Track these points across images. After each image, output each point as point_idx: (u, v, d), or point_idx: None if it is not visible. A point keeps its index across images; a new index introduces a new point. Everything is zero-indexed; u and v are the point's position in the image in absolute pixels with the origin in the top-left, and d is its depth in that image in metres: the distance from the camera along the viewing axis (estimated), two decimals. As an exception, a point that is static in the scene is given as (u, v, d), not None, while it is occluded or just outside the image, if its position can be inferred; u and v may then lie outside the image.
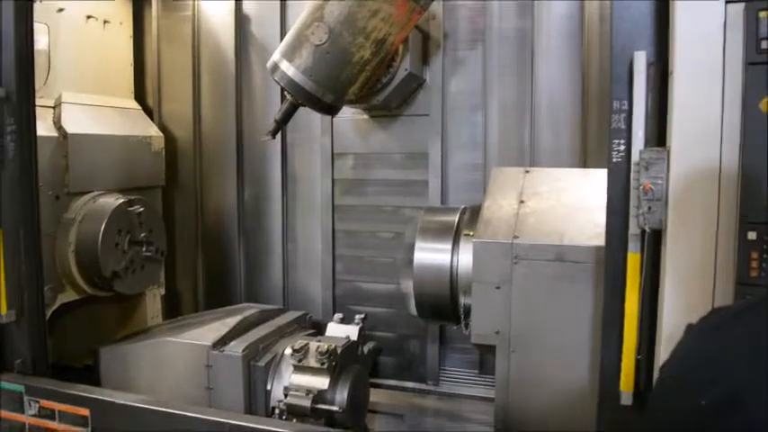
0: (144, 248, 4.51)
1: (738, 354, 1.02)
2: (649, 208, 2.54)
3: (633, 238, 2.69)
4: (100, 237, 4.18)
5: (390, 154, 4.80)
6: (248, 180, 5.27)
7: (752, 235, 2.39)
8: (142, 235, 4.48)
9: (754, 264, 2.38)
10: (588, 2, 4.17)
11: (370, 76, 3.80)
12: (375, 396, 4.54)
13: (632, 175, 2.64)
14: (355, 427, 3.91)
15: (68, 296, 4.32)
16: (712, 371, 1.02)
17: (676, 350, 1.15)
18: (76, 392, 3.62)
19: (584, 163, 4.21)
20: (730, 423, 0.95)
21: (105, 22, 4.86)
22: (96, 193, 4.42)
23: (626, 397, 2.79)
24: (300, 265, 5.18)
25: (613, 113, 2.73)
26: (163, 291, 5.08)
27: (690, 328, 1.18)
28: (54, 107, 4.30)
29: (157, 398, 3.78)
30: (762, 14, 2.37)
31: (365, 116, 4.80)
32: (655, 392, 1.14)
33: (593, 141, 4.20)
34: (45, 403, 3.61)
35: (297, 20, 3.74)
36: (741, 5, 2.41)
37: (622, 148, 2.69)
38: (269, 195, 5.21)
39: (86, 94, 4.58)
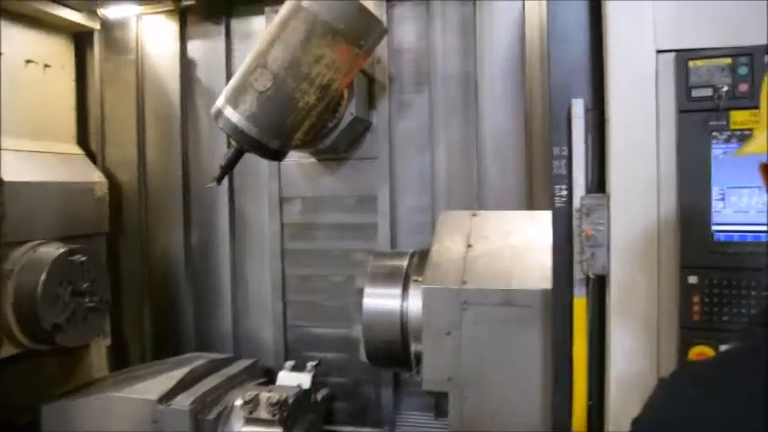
0: (87, 299, 4.35)
1: (708, 412, 1.01)
2: (592, 254, 2.56)
3: (579, 283, 2.71)
4: (39, 288, 4.01)
5: (339, 197, 4.77)
6: (195, 225, 5.18)
7: (692, 279, 2.43)
8: (85, 285, 4.32)
9: (696, 308, 2.42)
10: (529, 44, 4.25)
11: (316, 122, 3.79)
12: (330, 443, 4.46)
13: (575, 221, 2.67)
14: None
15: (7, 351, 4.11)
16: (683, 428, 1.02)
17: (649, 405, 1.13)
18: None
19: (532, 203, 4.26)
20: None
21: (46, 65, 4.75)
22: (36, 242, 4.25)
23: (578, 441, 2.79)
24: (251, 310, 5.08)
25: (554, 159, 2.76)
26: (108, 341, 4.90)
27: (662, 382, 1.17)
28: (-10, 154, 4.16)
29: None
30: (691, 63, 2.45)
31: (313, 160, 4.78)
32: None
33: (539, 180, 4.25)
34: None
35: (241, 65, 3.72)
36: (672, 55, 2.48)
37: (564, 193, 2.72)
38: (217, 241, 5.12)
39: (25, 140, 4.45)
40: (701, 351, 2.38)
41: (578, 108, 2.69)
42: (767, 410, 0.95)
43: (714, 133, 2.41)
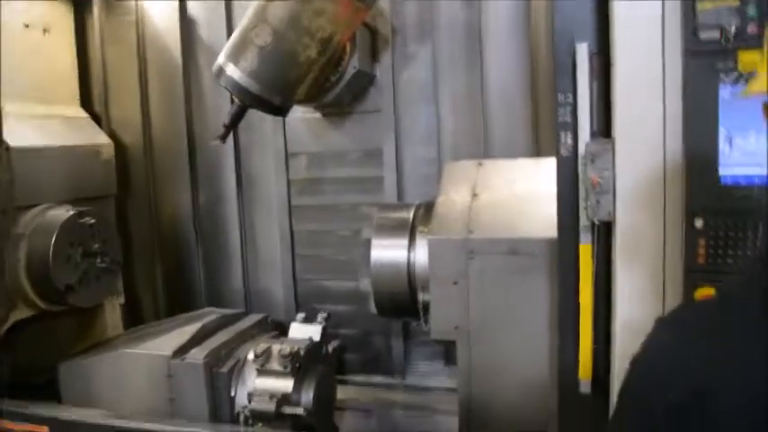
0: (98, 260, 4.40)
1: (706, 349, 1.02)
2: (597, 201, 2.56)
3: (584, 230, 2.71)
4: (51, 250, 4.05)
5: (344, 151, 4.76)
6: (203, 184, 5.19)
7: (698, 222, 2.43)
8: (95, 246, 4.36)
9: (702, 251, 2.42)
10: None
11: (318, 76, 3.76)
12: (342, 393, 4.53)
13: (580, 167, 2.66)
14: (322, 426, 3.90)
15: (21, 313, 4.18)
16: (681, 366, 1.03)
17: (646, 344, 1.14)
18: (34, 411, 3.54)
19: (538, 151, 4.23)
20: (696, 418, 0.96)
21: (45, 30, 4.70)
22: (45, 205, 4.28)
23: (584, 385, 2.83)
24: (261, 266, 5.13)
25: (559, 106, 2.73)
26: (122, 300, 4.96)
27: (661, 321, 1.18)
28: (-6, 120, 4.15)
29: (119, 412, 3.72)
30: (699, 5, 2.40)
31: (317, 115, 4.76)
32: (624, 387, 1.14)
33: (546, 129, 4.21)
34: (1, 423, 3.53)
35: (241, 21, 3.68)
36: (679, -4, 2.43)
37: (569, 141, 2.71)
38: (225, 198, 5.14)
39: (30, 105, 4.43)
40: (705, 293, 2.39)
41: (583, 52, 2.65)
42: (765, 345, 0.96)
43: (721, 75, 2.36)
